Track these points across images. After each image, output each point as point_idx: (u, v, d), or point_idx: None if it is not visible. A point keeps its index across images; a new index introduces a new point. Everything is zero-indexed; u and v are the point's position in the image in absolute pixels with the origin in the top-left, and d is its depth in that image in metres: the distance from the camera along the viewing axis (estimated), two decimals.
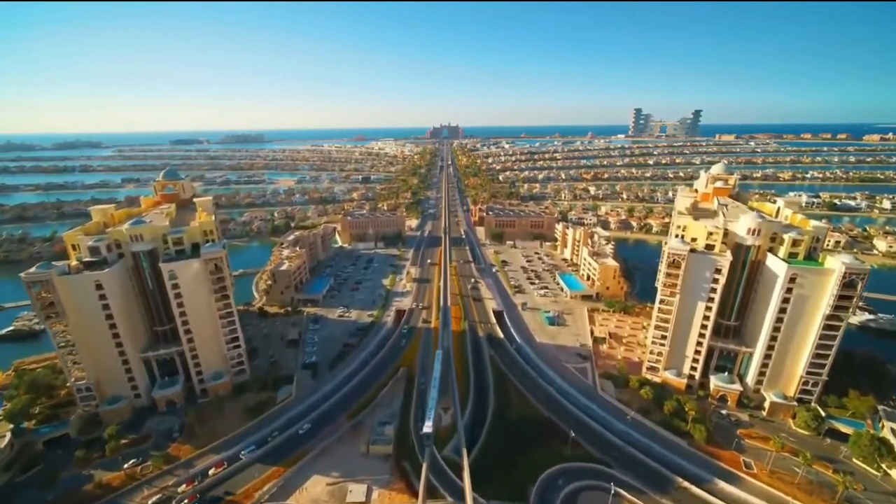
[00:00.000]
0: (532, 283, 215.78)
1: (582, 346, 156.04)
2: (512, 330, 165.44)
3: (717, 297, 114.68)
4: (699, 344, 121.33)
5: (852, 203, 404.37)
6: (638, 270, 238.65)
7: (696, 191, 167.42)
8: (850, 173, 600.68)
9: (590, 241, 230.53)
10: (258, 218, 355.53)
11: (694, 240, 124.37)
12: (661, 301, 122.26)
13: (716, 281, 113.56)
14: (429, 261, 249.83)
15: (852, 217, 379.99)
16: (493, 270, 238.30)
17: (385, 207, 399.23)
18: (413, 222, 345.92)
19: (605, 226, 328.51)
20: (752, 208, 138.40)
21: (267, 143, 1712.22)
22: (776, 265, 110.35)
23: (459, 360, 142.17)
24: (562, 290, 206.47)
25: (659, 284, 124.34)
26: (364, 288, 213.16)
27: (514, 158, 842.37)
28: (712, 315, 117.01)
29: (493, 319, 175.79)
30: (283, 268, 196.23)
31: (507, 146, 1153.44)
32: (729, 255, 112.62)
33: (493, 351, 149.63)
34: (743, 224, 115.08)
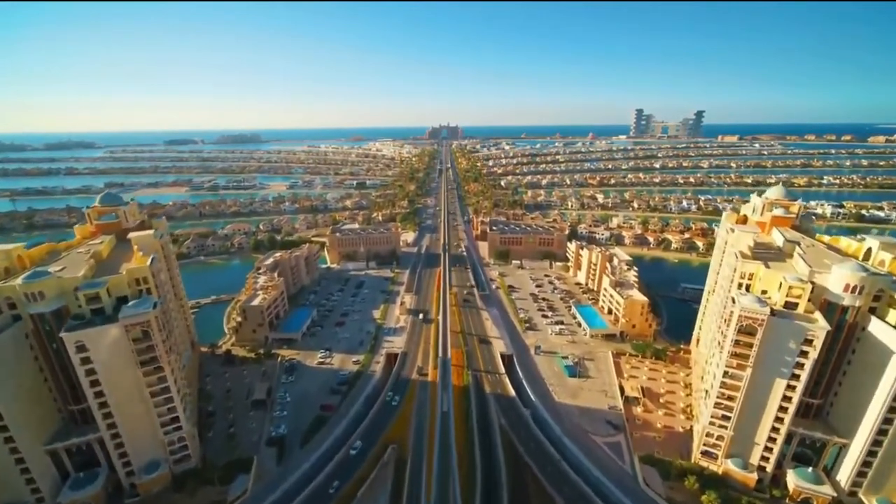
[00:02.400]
0: (545, 317, 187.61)
1: (611, 409, 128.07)
2: (525, 384, 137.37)
3: (804, 374, 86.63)
4: (775, 430, 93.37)
5: (881, 214, 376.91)
6: (662, 298, 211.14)
7: (746, 217, 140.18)
8: (868, 179, 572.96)
9: (608, 266, 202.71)
10: (241, 231, 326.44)
11: (765, 292, 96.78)
12: (726, 374, 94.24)
13: (805, 354, 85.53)
14: (426, 286, 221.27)
15: (881, 229, 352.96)
16: (499, 296, 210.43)
17: (380, 217, 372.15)
18: (409, 236, 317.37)
19: (619, 241, 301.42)
20: (827, 246, 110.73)
21: (263, 143, 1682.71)
22: (887, 335, 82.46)
23: (462, 435, 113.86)
24: (579, 325, 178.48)
25: (721, 351, 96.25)
26: (351, 322, 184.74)
27: (515, 161, 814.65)
28: (796, 396, 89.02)
29: (502, 368, 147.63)
30: (255, 303, 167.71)
31: (507, 147, 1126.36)
32: (823, 322, 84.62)
33: (504, 419, 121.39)
34: (839, 277, 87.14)
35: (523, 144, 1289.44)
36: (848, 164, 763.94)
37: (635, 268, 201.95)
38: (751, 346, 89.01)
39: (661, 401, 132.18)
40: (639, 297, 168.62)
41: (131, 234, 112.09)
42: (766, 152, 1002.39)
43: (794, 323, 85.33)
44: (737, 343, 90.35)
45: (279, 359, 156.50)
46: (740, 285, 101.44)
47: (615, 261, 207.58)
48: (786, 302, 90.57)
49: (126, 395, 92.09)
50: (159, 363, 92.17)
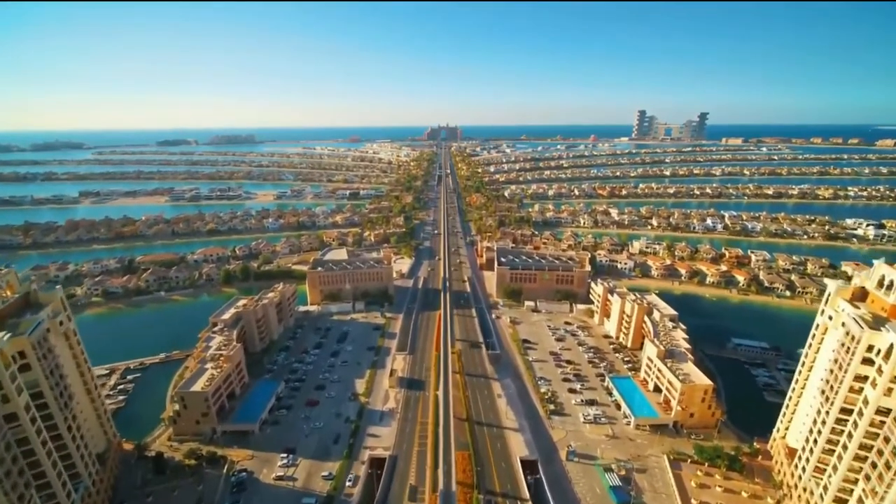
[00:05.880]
0: (572, 391, 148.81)
1: None
2: None
3: None
4: None
5: None
6: (711, 358, 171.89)
7: (864, 291, 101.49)
8: None
9: (648, 322, 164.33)
10: (212, 257, 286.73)
11: None
12: None
13: None
14: (424, 341, 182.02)
15: None
16: (512, 357, 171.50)
17: (372, 238, 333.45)
18: (404, 265, 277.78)
19: (645, 271, 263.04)
20: None
21: (258, 143, 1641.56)
22: None
23: None
24: (619, 408, 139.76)
25: None
26: (327, 400, 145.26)
27: (518, 167, 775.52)
28: None
29: (525, 490, 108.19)
30: (198, 387, 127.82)
31: (508, 150, 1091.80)
32: None
33: None
34: None
35: (524, 146, 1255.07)
36: (867, 171, 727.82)
37: (682, 325, 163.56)
38: None
39: None
40: (700, 379, 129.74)
41: None
42: (775, 157, 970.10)
43: None
44: None
45: (225, 467, 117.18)
46: None
47: (655, 314, 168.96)
48: None
49: None
50: None
